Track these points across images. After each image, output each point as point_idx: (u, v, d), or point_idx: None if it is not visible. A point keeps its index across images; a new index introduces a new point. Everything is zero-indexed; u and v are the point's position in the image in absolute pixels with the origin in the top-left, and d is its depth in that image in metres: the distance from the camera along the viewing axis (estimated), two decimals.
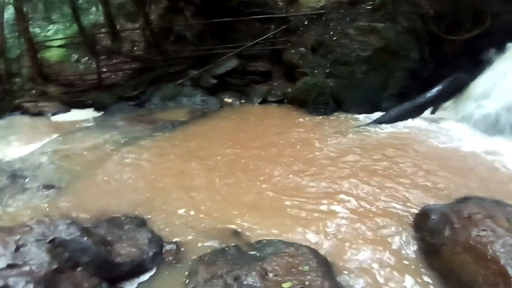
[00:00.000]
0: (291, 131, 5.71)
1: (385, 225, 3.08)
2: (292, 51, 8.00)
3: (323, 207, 3.45)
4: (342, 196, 3.60)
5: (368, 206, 3.39)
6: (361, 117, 6.20)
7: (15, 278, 2.20)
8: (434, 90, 5.98)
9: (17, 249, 2.43)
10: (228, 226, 3.27)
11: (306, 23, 8.28)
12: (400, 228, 3.03)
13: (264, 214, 3.44)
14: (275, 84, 8.25)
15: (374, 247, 2.84)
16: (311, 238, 3.01)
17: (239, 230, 3.20)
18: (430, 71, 6.54)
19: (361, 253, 2.80)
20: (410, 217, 3.15)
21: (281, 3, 9.47)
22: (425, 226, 2.83)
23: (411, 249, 2.80)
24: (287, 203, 3.57)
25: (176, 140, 5.70)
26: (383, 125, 5.66)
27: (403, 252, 2.78)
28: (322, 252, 2.76)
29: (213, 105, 7.66)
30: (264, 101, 7.72)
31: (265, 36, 8.52)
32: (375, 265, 2.67)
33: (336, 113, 6.53)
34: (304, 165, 4.37)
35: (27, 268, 2.32)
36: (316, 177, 4.04)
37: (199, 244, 3.05)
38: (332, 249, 2.87)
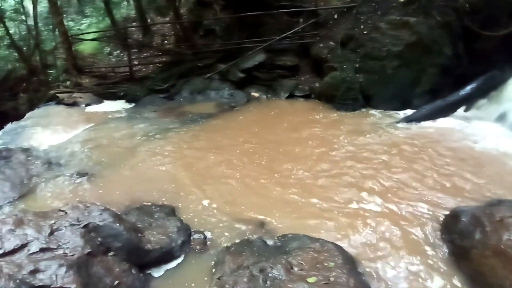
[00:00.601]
0: (318, 126, 5.65)
1: (413, 226, 3.02)
2: (321, 45, 7.86)
3: (349, 205, 3.41)
4: (369, 194, 3.55)
5: (396, 206, 3.32)
6: (391, 114, 6.04)
7: (46, 262, 2.30)
8: (468, 88, 5.69)
9: (52, 233, 2.55)
10: (253, 218, 3.31)
11: (336, 16, 8.11)
12: (429, 230, 2.97)
13: (289, 209, 3.45)
14: (303, 78, 8.16)
15: (401, 247, 2.80)
16: (337, 235, 2.99)
17: (265, 223, 3.23)
18: (464, 67, 6.23)
19: (387, 252, 2.76)
20: (439, 218, 3.07)
21: None
22: (455, 228, 2.76)
23: (440, 251, 2.74)
24: (313, 199, 3.56)
25: (203, 133, 5.79)
26: (414, 123, 5.48)
27: (430, 253, 2.73)
28: (347, 250, 2.74)
29: (240, 99, 7.69)
30: (291, 96, 7.65)
31: (293, 30, 8.42)
32: (402, 265, 2.63)
33: (364, 109, 6.38)
34: (331, 162, 4.33)
35: (60, 251, 2.43)
36: (343, 174, 3.99)
37: (226, 235, 3.11)
38: (358, 247, 2.84)
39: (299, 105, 7.15)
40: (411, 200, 3.40)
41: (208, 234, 3.12)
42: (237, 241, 2.94)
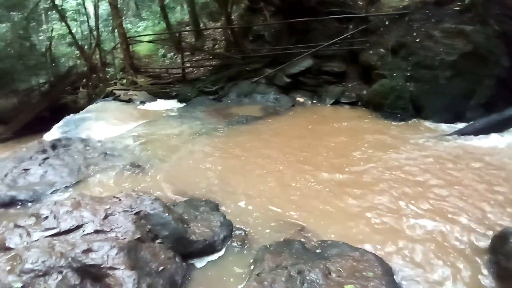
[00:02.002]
0: (363, 135, 5.54)
1: (458, 245, 2.90)
2: (371, 52, 7.74)
3: (394, 218, 3.33)
4: (414, 208, 3.44)
5: (441, 223, 3.19)
6: (443, 126, 5.80)
7: (100, 243, 2.47)
8: None
9: (106, 217, 2.74)
10: (294, 221, 3.34)
11: (387, 23, 7.94)
12: (474, 249, 2.83)
13: (331, 216, 3.44)
14: (350, 85, 8.06)
15: (443, 265, 2.69)
16: (378, 246, 2.93)
17: (305, 227, 3.25)
18: None
19: (428, 269, 2.67)
20: (486, 238, 2.92)
21: (361, 3, 9.19)
22: (502, 249, 2.62)
23: (484, 272, 2.62)
24: (355, 209, 3.52)
25: (249, 134, 5.93)
26: (466, 137, 5.20)
27: (474, 273, 2.60)
28: (388, 262, 2.69)
29: (285, 104, 7.77)
30: (336, 102, 7.60)
31: (342, 36, 8.36)
32: (442, 284, 2.54)
33: (414, 120, 6.18)
34: (377, 173, 4.23)
35: (113, 234, 2.61)
36: (388, 187, 3.89)
37: (266, 234, 3.17)
38: (399, 261, 2.77)
39: (345, 112, 7.07)
40: (458, 217, 3.25)
41: (249, 232, 3.20)
42: (277, 241, 2.99)
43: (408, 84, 6.50)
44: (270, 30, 10.22)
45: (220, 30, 12.59)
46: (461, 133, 5.36)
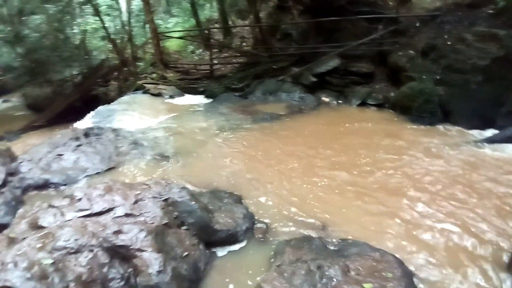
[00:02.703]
0: (389, 138, 5.46)
1: (480, 255, 2.86)
2: (400, 53, 7.59)
3: (417, 223, 3.31)
4: (437, 215, 3.40)
5: (465, 231, 3.15)
6: (472, 132, 5.62)
7: (129, 226, 2.61)
8: None
9: (136, 202, 2.89)
10: (315, 218, 3.39)
11: (417, 24, 7.78)
12: (497, 261, 2.78)
13: (353, 216, 3.46)
14: (377, 86, 7.92)
15: (463, 273, 2.68)
16: (399, 249, 2.93)
17: (326, 224, 3.29)
18: None
19: (448, 276, 2.66)
20: (508, 250, 2.87)
21: (391, 3, 9.01)
22: None
23: (503, 285, 2.58)
24: (378, 211, 3.52)
25: (273, 131, 6.00)
26: (496, 145, 5.02)
27: (493, 285, 2.57)
28: (407, 265, 2.70)
29: (310, 103, 7.75)
30: (363, 104, 7.50)
31: (371, 36, 8.23)
32: None
33: (442, 125, 6.00)
34: (402, 176, 4.19)
35: (142, 218, 2.75)
36: (412, 192, 3.85)
37: (286, 229, 3.24)
38: (419, 265, 2.77)
39: (371, 114, 6.99)
40: (482, 226, 3.20)
41: (270, 226, 3.28)
42: (297, 237, 3.06)
43: (437, 87, 6.33)
44: (298, 28, 10.21)
45: (248, 28, 12.68)
46: (491, 140, 5.19)
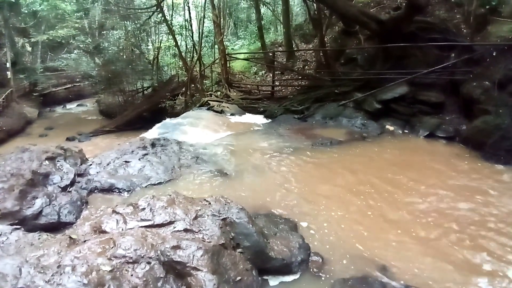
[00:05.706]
0: (459, 176, 5.03)
1: None
2: (474, 83, 7.03)
3: (480, 270, 3.03)
4: (504, 267, 3.05)
5: None
6: None
7: (188, 242, 2.57)
8: None
9: (196, 217, 2.87)
10: (375, 258, 3.16)
11: (494, 54, 7.17)
12: None
13: (416, 259, 3.18)
14: (447, 118, 7.40)
15: None
16: None
17: (386, 266, 3.05)
18: None
19: None
20: None
21: (465, 30, 8.48)
22: None
23: None
24: (442, 256, 3.23)
25: (333, 157, 5.83)
26: None
27: None
28: None
29: (373, 130, 7.45)
30: (431, 135, 7.03)
31: (443, 65, 7.75)
32: None
33: None
34: (472, 223, 3.80)
35: (200, 235, 2.71)
36: (483, 238, 3.50)
37: (344, 266, 3.05)
38: None
39: (440, 148, 6.49)
40: None
41: (327, 260, 3.10)
42: (355, 276, 2.86)
43: None
44: (363, 53, 10.00)
45: (311, 51, 12.72)
46: None
